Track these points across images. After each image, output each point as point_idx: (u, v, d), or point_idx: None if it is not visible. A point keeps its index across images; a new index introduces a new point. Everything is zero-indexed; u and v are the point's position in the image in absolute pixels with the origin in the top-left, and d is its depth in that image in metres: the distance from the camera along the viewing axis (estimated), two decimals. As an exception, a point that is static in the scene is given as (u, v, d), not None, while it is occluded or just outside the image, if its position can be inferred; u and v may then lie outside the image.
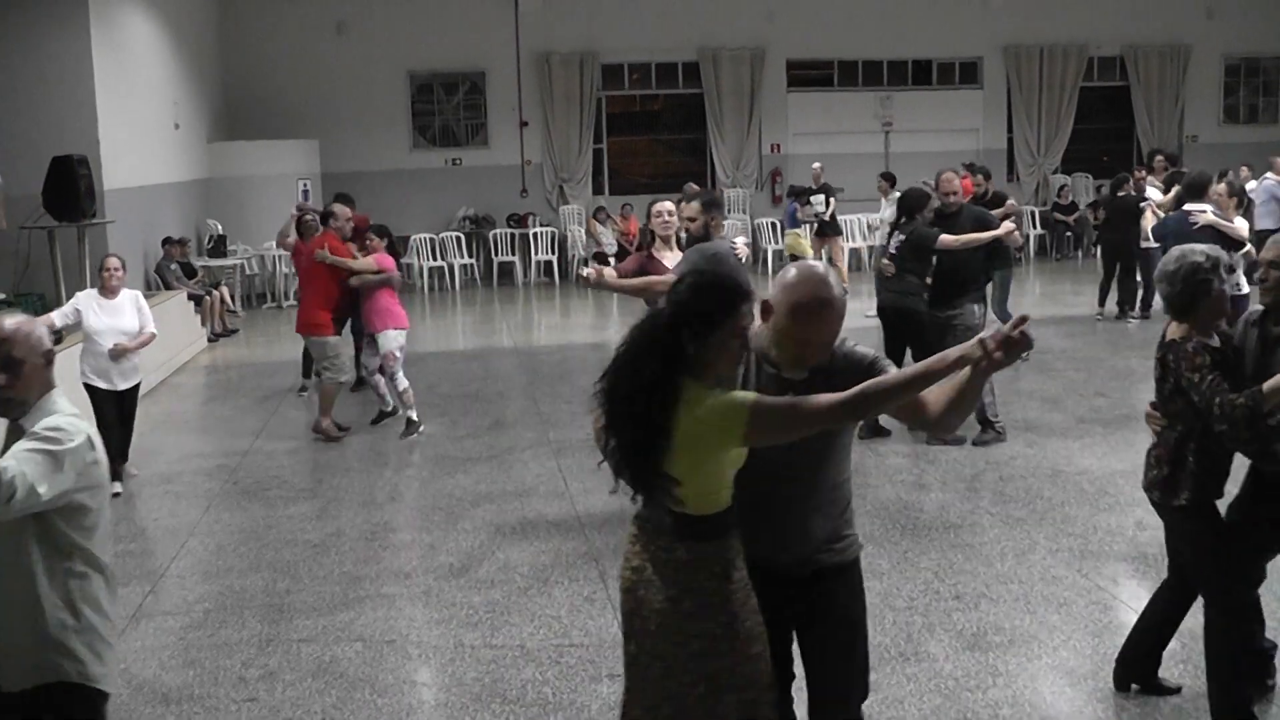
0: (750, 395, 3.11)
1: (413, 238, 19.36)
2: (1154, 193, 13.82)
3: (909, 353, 9.38)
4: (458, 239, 19.71)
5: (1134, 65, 22.39)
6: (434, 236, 19.50)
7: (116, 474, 6.97)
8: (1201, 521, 4.48)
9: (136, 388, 8.52)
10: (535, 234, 19.78)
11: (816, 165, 17.48)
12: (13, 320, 3.37)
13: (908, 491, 7.60)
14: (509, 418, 10.19)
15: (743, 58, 21.10)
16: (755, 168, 21.35)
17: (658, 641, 3.21)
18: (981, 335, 3.01)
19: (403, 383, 9.52)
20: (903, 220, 9.11)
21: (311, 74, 19.71)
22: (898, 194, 15.50)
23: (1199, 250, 4.37)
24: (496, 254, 19.82)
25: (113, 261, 8.48)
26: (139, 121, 14.60)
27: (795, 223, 16.95)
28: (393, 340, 9.55)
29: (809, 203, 16.80)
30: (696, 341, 3.06)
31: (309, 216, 11.45)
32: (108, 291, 8.41)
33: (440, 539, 7.08)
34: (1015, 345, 2.97)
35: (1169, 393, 4.38)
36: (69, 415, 3.32)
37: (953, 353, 3.04)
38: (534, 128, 20.93)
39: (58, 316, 8.16)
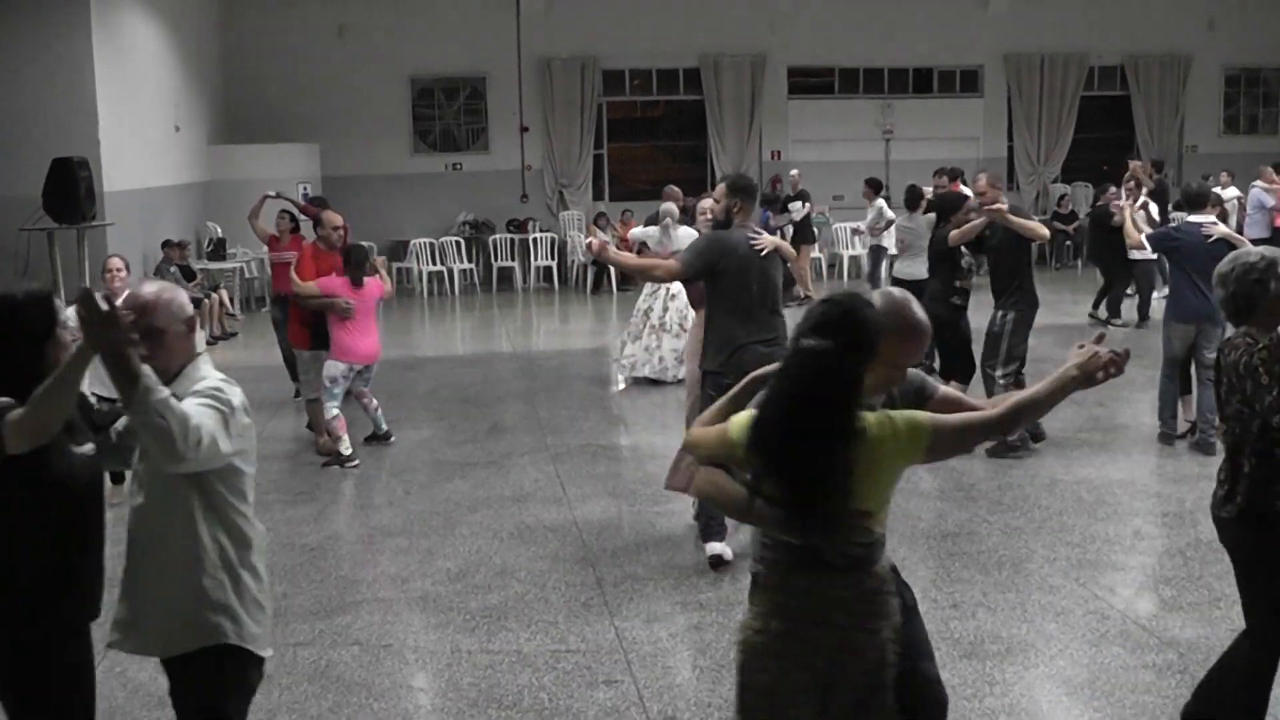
0: (926, 414, 3.08)
1: (412, 242, 19.38)
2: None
3: (937, 359, 9.45)
4: (457, 244, 19.71)
5: (1134, 75, 22.42)
6: (434, 241, 19.51)
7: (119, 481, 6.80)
8: (1255, 534, 4.16)
9: None
10: (535, 239, 19.78)
11: (794, 172, 17.40)
12: (153, 288, 3.40)
13: (905, 499, 7.60)
14: (507, 423, 10.18)
15: (744, 64, 21.12)
16: (756, 175, 21.31)
17: (870, 678, 3.10)
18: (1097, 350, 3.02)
19: (331, 410, 8.79)
20: (938, 225, 9.23)
21: (312, 78, 19.72)
22: (882, 201, 15.56)
23: (1254, 252, 4.34)
24: (496, 259, 19.82)
25: (115, 262, 8.16)
26: (139, 124, 14.61)
27: (768, 230, 16.77)
28: (329, 368, 8.81)
29: (787, 210, 16.56)
30: (864, 367, 2.96)
31: (285, 215, 11.26)
32: (110, 295, 8.16)
33: (438, 544, 7.07)
34: (1117, 366, 3.01)
35: (1224, 393, 4.23)
36: (219, 380, 3.31)
37: (1071, 370, 3.05)
38: (534, 133, 20.95)
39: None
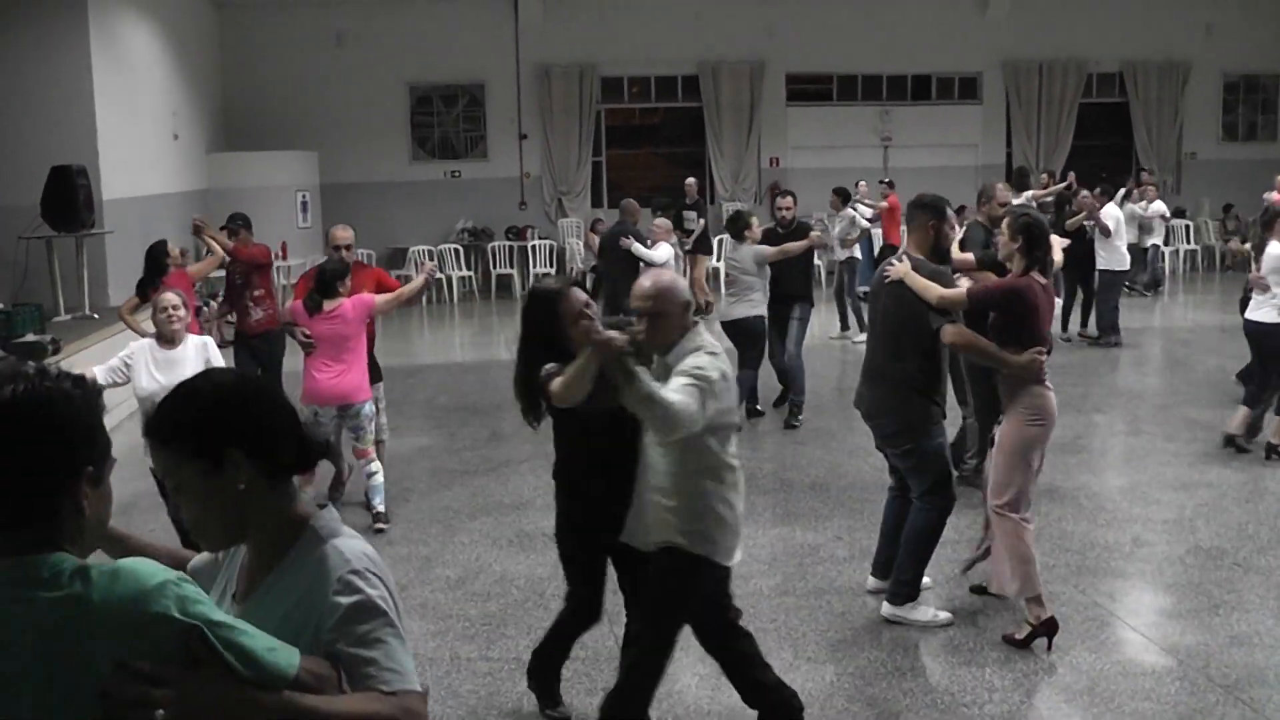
0: None
1: (411, 250, 19.38)
2: (1112, 209, 13.88)
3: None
4: (456, 251, 19.72)
5: (1133, 81, 22.44)
6: (432, 248, 19.51)
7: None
8: None
9: None
10: (534, 246, 19.79)
11: (691, 181, 17.08)
12: (656, 280, 4.15)
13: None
14: (506, 430, 10.17)
15: (742, 71, 21.14)
16: (754, 181, 21.37)
17: None
18: None
19: None
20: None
21: (310, 85, 19.74)
22: (850, 210, 15.45)
23: None
24: (495, 266, 19.82)
25: (169, 299, 6.41)
26: (138, 132, 14.62)
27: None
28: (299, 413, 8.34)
29: (681, 219, 16.07)
30: None
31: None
32: (165, 341, 6.36)
33: (437, 551, 7.07)
34: None
35: None
36: (708, 353, 4.04)
37: None
38: (533, 140, 20.96)
39: (102, 372, 6.21)
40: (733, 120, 21.26)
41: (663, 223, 12.13)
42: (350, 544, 2.26)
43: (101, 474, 2.00)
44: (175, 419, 2.15)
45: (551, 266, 19.70)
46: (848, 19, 21.07)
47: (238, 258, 9.63)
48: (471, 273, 19.92)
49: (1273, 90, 23.30)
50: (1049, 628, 5.39)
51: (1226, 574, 6.37)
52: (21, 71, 12.67)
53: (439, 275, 7.78)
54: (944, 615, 5.75)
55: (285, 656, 1.99)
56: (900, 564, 5.77)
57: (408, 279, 19.29)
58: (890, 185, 17.85)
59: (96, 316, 11.74)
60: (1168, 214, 18.94)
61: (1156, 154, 22.42)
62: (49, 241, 11.61)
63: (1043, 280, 5.60)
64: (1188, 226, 21.12)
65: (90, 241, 12.10)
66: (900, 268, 5.67)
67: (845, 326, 14.67)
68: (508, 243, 20.11)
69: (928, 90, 22.30)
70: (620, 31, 20.52)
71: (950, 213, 5.91)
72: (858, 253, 15.38)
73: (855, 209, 15.55)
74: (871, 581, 6.09)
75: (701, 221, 16.35)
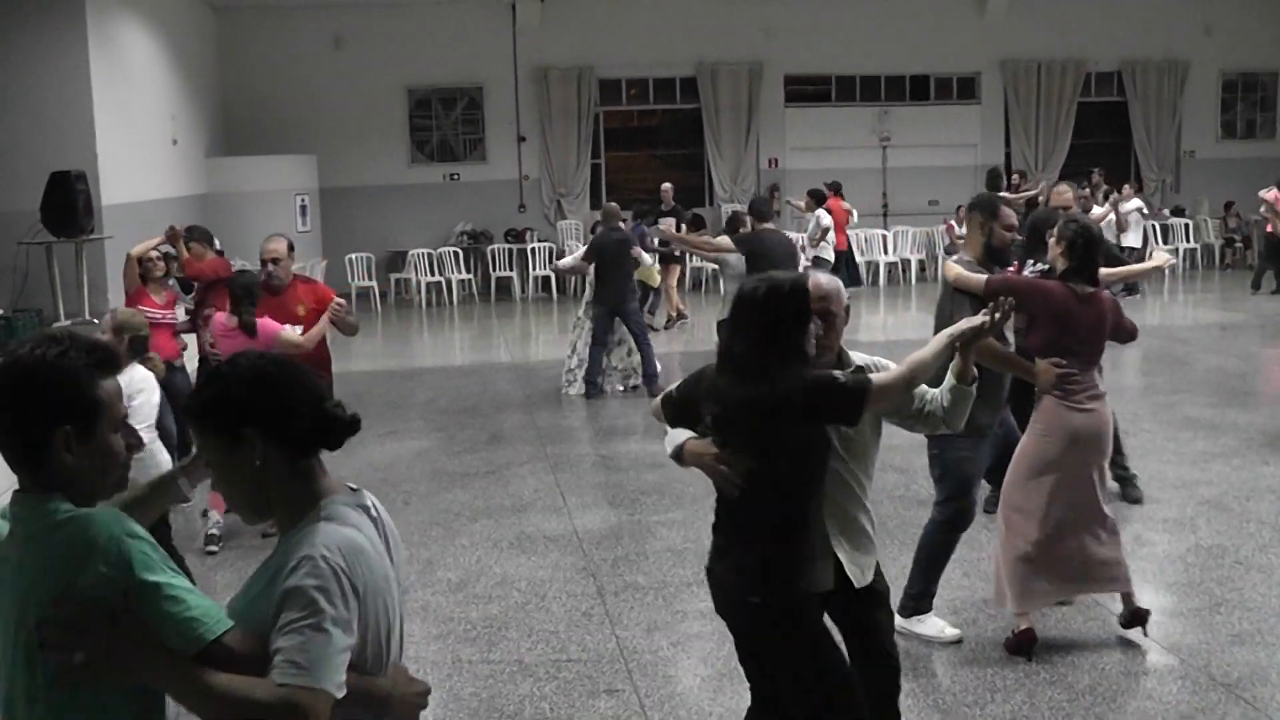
0: None
1: (410, 253, 19.39)
2: (1098, 210, 13.87)
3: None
4: (455, 254, 19.72)
5: (1132, 80, 22.43)
6: (432, 252, 19.52)
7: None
8: None
9: None
10: (533, 249, 19.79)
11: (666, 186, 16.97)
12: (824, 279, 4.00)
13: (905, 507, 7.59)
14: (506, 432, 10.18)
15: (740, 73, 21.14)
16: (753, 182, 21.36)
17: None
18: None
19: None
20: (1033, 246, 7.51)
21: (309, 89, 19.75)
22: (821, 211, 15.43)
23: None
24: (494, 269, 19.82)
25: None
26: (137, 137, 14.61)
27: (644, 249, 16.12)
28: None
29: (656, 224, 15.99)
30: None
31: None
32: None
33: (438, 554, 7.07)
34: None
35: None
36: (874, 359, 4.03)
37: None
38: (532, 143, 20.97)
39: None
40: (731, 122, 21.26)
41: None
42: (334, 531, 2.26)
43: (90, 431, 2.23)
44: (201, 397, 2.35)
45: (551, 269, 19.66)
46: (845, 20, 21.08)
47: (185, 273, 8.92)
48: (471, 275, 19.92)
49: (1271, 88, 23.31)
50: (1021, 639, 5.34)
51: (1228, 572, 6.37)
52: (20, 77, 12.67)
53: (348, 314, 7.17)
54: (951, 632, 5.64)
55: (206, 626, 2.15)
56: (911, 577, 5.70)
57: (407, 283, 19.47)
58: (833, 188, 17.74)
59: (96, 321, 11.72)
60: (1145, 210, 18.96)
61: (1155, 153, 22.42)
62: (48, 247, 11.59)
63: (1088, 290, 5.32)
64: (1187, 225, 21.12)
65: (90, 247, 12.08)
66: (947, 266, 5.57)
67: None
68: (507, 245, 20.11)
69: (926, 90, 22.30)
70: (618, 34, 20.53)
71: (1004, 211, 5.70)
72: (825, 254, 15.42)
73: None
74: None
75: (683, 227, 16.12)
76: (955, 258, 5.71)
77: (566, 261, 12.29)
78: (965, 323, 3.77)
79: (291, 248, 7.57)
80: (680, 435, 3.72)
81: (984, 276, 5.48)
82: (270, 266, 7.34)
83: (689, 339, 15.27)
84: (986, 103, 22.29)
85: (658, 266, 15.65)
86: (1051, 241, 5.49)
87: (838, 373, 3.59)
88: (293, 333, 7.03)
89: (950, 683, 5.12)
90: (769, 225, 9.94)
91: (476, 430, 10.31)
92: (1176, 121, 22.60)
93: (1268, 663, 5.22)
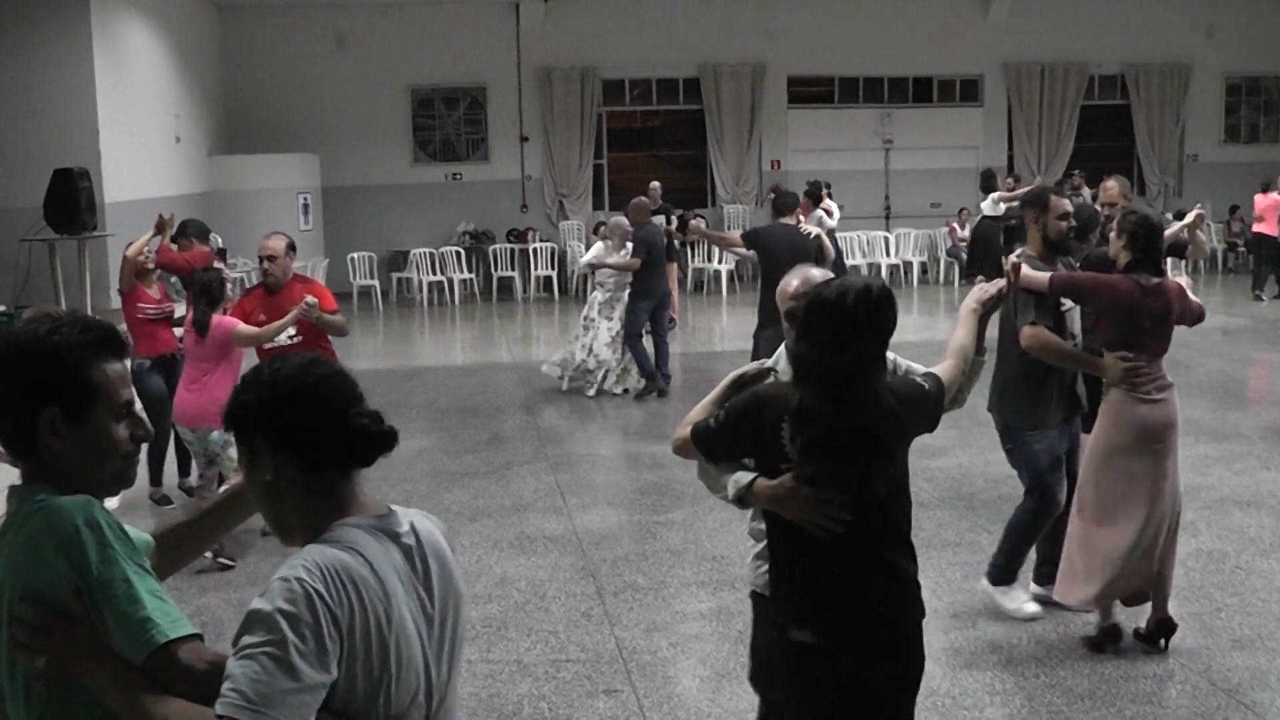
0: None
1: (412, 252, 19.39)
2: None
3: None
4: (457, 254, 19.72)
5: (1134, 84, 22.43)
6: (434, 251, 19.52)
7: None
8: None
9: None
10: (535, 249, 19.78)
11: (655, 185, 16.80)
12: (817, 273, 3.71)
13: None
14: (507, 432, 10.18)
15: (743, 74, 21.15)
16: (755, 184, 21.37)
17: None
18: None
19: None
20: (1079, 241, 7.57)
21: (312, 88, 19.75)
22: (822, 212, 15.34)
23: None
24: (496, 269, 19.83)
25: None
26: (140, 135, 14.63)
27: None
28: None
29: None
30: None
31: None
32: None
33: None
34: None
35: None
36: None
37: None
38: (534, 143, 20.97)
39: None
40: (734, 123, 21.26)
41: (621, 222, 12.07)
42: (323, 552, 2.02)
43: (83, 415, 2.07)
44: (231, 402, 2.16)
45: (553, 269, 19.69)
46: (848, 21, 21.08)
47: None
48: (472, 275, 19.92)
49: (1274, 92, 23.31)
50: (1108, 633, 5.38)
51: (1228, 577, 6.37)
52: (24, 75, 12.69)
53: (314, 311, 6.92)
54: (1031, 608, 5.69)
55: (158, 629, 1.96)
56: (999, 547, 5.85)
57: (409, 282, 19.46)
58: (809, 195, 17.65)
59: (99, 318, 11.74)
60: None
61: (1158, 156, 22.41)
62: (51, 244, 11.62)
63: (1153, 280, 5.26)
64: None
65: (92, 244, 12.11)
66: (1012, 264, 5.52)
67: None
68: (509, 245, 20.11)
69: (929, 93, 22.30)
70: (621, 34, 20.54)
71: (1055, 201, 5.60)
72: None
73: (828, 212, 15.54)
74: (1031, 588, 6.02)
75: (674, 223, 16.03)
76: (1018, 253, 5.53)
77: (617, 259, 11.66)
78: (985, 288, 3.72)
79: (292, 246, 7.47)
80: (744, 475, 3.21)
81: (1047, 275, 5.39)
82: (266, 264, 7.26)
83: (687, 340, 15.25)
84: (989, 105, 22.28)
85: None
86: (1112, 236, 5.44)
87: (916, 376, 3.37)
88: (248, 329, 6.92)
89: (950, 686, 5.12)
90: (785, 220, 9.69)
91: (477, 430, 10.30)
92: (1179, 125, 22.60)
93: (1268, 667, 5.21)
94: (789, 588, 3.22)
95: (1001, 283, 3.76)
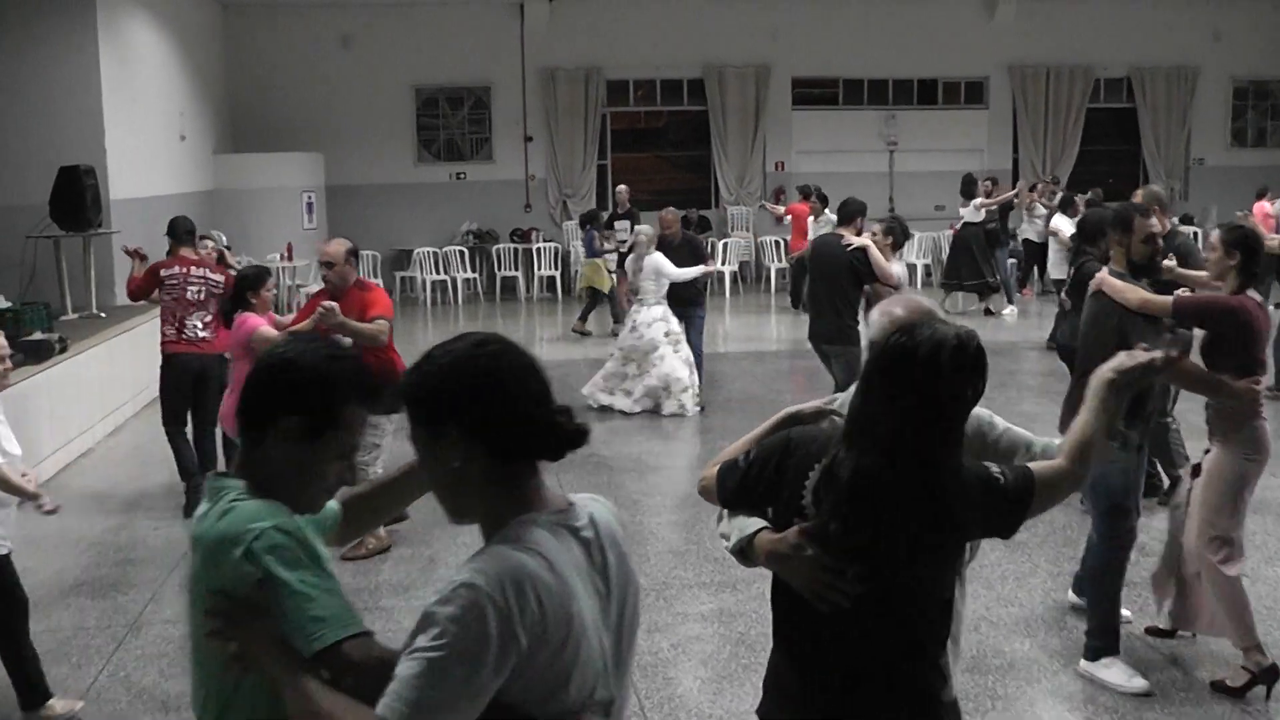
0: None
1: (416, 251, 19.39)
2: (1056, 219, 14.11)
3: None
4: (461, 253, 19.72)
5: (1141, 87, 22.39)
6: (437, 250, 19.52)
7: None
8: None
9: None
10: (538, 249, 19.79)
11: (622, 188, 16.73)
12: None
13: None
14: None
15: (748, 75, 21.13)
16: (759, 185, 21.36)
17: None
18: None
19: None
20: (1083, 247, 7.42)
21: (316, 87, 19.76)
22: (831, 215, 15.25)
23: None
24: (500, 269, 19.83)
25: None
26: (145, 132, 14.64)
27: (594, 252, 15.73)
28: None
29: (612, 228, 15.58)
30: None
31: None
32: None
33: (440, 552, 7.06)
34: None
35: None
36: None
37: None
38: (538, 143, 20.97)
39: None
40: (738, 124, 21.25)
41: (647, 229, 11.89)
42: (503, 558, 1.99)
43: (312, 437, 2.21)
44: (408, 381, 2.12)
45: (556, 269, 19.68)
46: (853, 23, 21.06)
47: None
48: (476, 275, 19.92)
49: (1281, 96, 23.26)
50: (1270, 675, 4.98)
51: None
52: (30, 72, 12.69)
53: (333, 316, 6.63)
54: (1139, 682, 5.07)
55: (327, 628, 2.09)
56: (1088, 613, 5.34)
57: (412, 281, 19.44)
58: (803, 192, 17.62)
59: (104, 315, 11.76)
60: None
61: (1164, 160, 22.36)
62: (56, 241, 11.64)
63: (1258, 298, 5.06)
64: (1195, 234, 21.05)
65: (97, 241, 12.13)
66: (1099, 275, 5.24)
67: None
68: (512, 245, 20.11)
69: (934, 95, 22.27)
70: (626, 35, 20.52)
71: (1140, 223, 5.26)
72: None
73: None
74: (1070, 597, 5.95)
75: (637, 231, 15.79)
76: (1107, 270, 5.30)
77: (702, 269, 11.25)
78: (1128, 359, 2.85)
79: (353, 252, 7.26)
80: (750, 524, 2.81)
81: (1168, 298, 5.11)
82: (325, 270, 7.15)
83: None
84: (994, 108, 22.25)
85: (607, 271, 15.45)
86: (1213, 252, 5.17)
87: (994, 466, 2.69)
88: (268, 332, 6.80)
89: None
90: (839, 230, 8.92)
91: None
92: (1186, 128, 22.54)
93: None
94: (779, 663, 2.84)
95: (1157, 354, 2.88)
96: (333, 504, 2.48)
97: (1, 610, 5.02)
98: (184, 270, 8.42)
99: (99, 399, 10.58)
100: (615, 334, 13.42)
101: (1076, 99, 22.16)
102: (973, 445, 2.85)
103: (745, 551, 2.80)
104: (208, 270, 8.52)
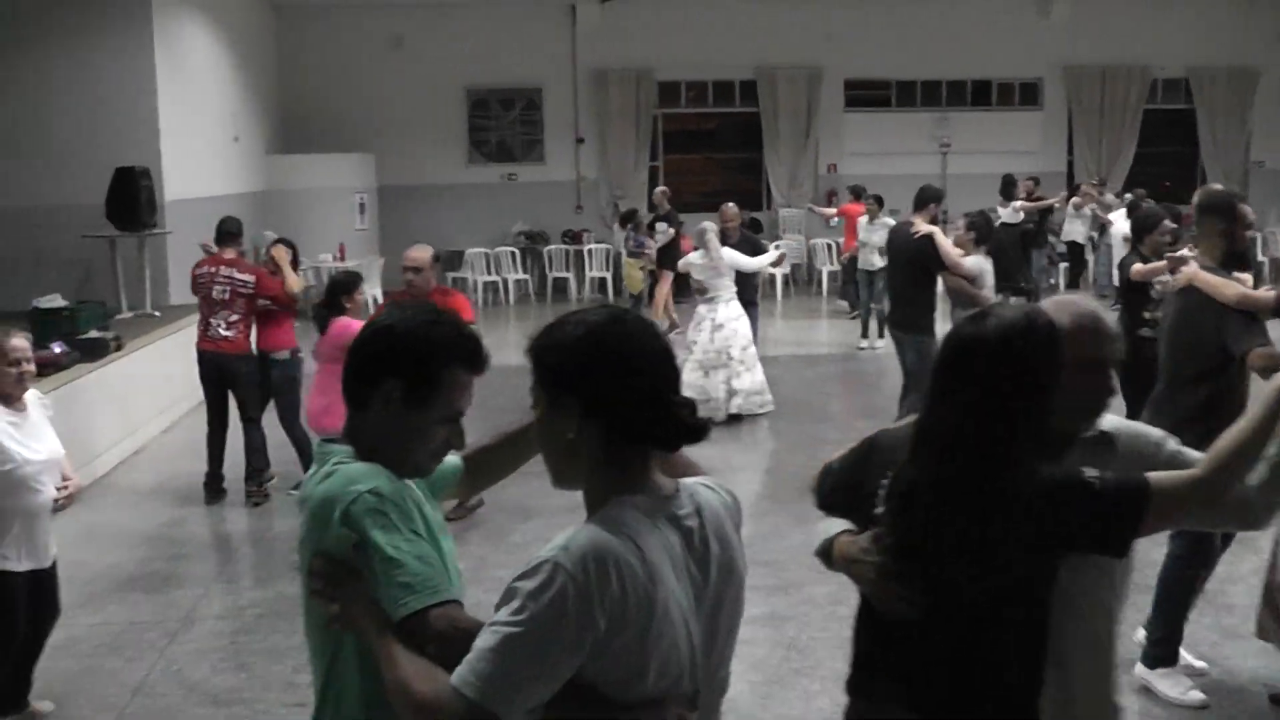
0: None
1: (467, 252, 19.45)
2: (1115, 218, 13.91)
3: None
4: (512, 254, 19.77)
5: (1199, 88, 22.03)
6: (489, 251, 19.58)
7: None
8: None
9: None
10: (589, 250, 19.79)
11: (660, 190, 16.59)
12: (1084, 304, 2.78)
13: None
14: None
15: (800, 77, 21.03)
16: (811, 187, 21.23)
17: None
18: None
19: None
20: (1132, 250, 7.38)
21: (368, 88, 19.87)
22: (888, 219, 15.03)
23: None
24: (550, 270, 19.85)
25: (17, 343, 4.83)
26: (199, 134, 14.78)
27: (632, 252, 15.60)
28: None
29: (653, 229, 15.35)
30: None
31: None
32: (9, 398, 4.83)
33: (490, 551, 7.07)
34: None
35: None
36: None
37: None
38: (590, 144, 20.98)
39: None
40: (790, 126, 21.14)
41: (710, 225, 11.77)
42: (592, 537, 1.99)
43: (416, 401, 2.25)
44: (539, 343, 2.11)
45: (607, 270, 19.64)
46: (906, 24, 20.88)
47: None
48: (527, 276, 19.96)
49: (1344, 97, 22.79)
50: None
51: (1243, 593, 6.17)
52: (88, 75, 12.86)
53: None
54: (1196, 695, 4.94)
55: (414, 595, 2.12)
56: (1151, 621, 5.16)
57: (463, 282, 19.52)
58: (855, 192, 17.51)
59: (158, 314, 11.88)
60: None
61: (1222, 162, 21.99)
62: (112, 241, 11.77)
63: None
64: (1256, 237, 20.72)
65: (152, 241, 12.26)
66: (1188, 269, 5.00)
67: (865, 334, 14.81)
68: (563, 246, 20.13)
69: (987, 96, 22.05)
70: (678, 36, 20.47)
71: (1242, 210, 5.12)
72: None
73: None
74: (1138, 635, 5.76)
75: (671, 232, 15.13)
76: (1195, 262, 5.10)
77: (770, 257, 11.28)
78: None
79: (437, 258, 7.43)
80: (834, 525, 2.70)
81: (1269, 293, 4.92)
82: (410, 275, 7.22)
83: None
84: (1049, 109, 21.99)
85: (640, 271, 15.34)
86: None
87: (1092, 472, 2.39)
88: None
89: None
90: (912, 217, 9.03)
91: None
92: (1246, 131, 22.15)
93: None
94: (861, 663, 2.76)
95: None
96: (454, 459, 2.56)
97: (38, 620, 4.99)
98: (212, 269, 8.52)
99: (152, 396, 10.69)
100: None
101: (1133, 100, 21.83)
102: (1129, 460, 2.59)
103: (826, 554, 2.71)
104: (235, 270, 8.55)
